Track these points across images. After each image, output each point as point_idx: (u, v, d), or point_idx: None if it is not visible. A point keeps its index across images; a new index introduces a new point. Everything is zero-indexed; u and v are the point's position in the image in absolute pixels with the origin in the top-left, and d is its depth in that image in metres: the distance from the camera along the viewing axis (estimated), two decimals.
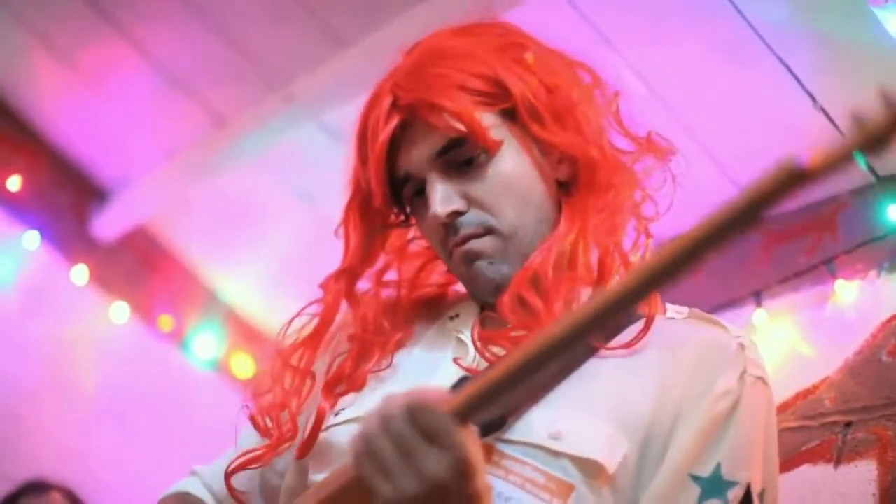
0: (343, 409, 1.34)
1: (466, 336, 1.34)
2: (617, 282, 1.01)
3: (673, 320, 1.33)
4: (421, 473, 1.02)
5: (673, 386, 1.23)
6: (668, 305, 1.35)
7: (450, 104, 1.29)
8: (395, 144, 1.34)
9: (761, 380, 1.27)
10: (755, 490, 1.21)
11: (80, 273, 3.65)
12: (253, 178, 3.34)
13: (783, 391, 2.34)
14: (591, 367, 1.25)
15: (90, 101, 3.49)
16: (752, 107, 2.38)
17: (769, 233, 2.50)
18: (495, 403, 1.05)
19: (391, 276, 1.46)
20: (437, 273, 1.48)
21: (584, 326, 0.98)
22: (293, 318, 1.44)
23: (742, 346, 1.27)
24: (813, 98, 2.26)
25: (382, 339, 1.39)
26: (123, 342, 3.68)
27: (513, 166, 1.32)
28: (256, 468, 1.43)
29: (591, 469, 1.18)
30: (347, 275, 1.42)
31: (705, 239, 0.90)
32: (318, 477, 1.33)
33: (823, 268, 2.38)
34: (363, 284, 1.44)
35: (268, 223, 3.46)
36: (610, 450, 1.19)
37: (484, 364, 1.28)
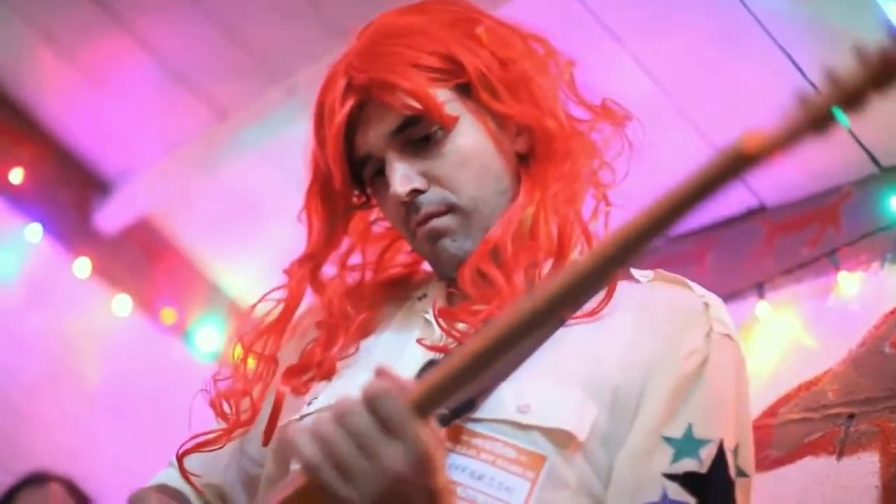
0: (316, 399, 1.33)
1: (432, 315, 1.34)
2: (574, 263, 0.99)
3: (638, 283, 1.32)
4: (382, 468, 1.00)
5: (640, 348, 1.23)
6: (633, 270, 1.34)
7: (404, 82, 1.28)
8: (353, 126, 1.33)
9: (728, 336, 1.26)
10: (728, 447, 1.20)
11: (82, 266, 3.65)
12: (255, 170, 3.34)
13: (786, 383, 2.34)
14: (557, 335, 1.25)
15: (93, 95, 3.49)
16: (756, 98, 2.37)
17: (772, 224, 2.50)
18: (459, 392, 1.04)
19: (356, 259, 1.46)
20: (403, 253, 1.48)
21: (542, 314, 0.97)
22: (255, 304, 1.43)
23: (707, 305, 1.27)
24: (817, 89, 2.26)
25: (346, 324, 1.38)
26: (126, 335, 3.69)
27: (470, 141, 1.32)
28: (209, 451, 1.41)
29: (561, 439, 1.18)
30: (311, 260, 1.42)
31: (678, 204, 0.89)
32: (297, 465, 1.32)
33: (826, 259, 2.38)
34: (329, 269, 1.43)
35: (270, 216, 3.45)
36: (580, 417, 1.18)
37: (451, 342, 1.28)
